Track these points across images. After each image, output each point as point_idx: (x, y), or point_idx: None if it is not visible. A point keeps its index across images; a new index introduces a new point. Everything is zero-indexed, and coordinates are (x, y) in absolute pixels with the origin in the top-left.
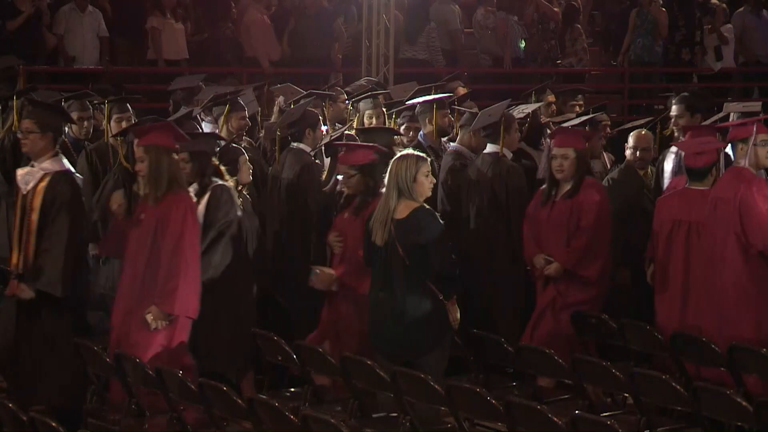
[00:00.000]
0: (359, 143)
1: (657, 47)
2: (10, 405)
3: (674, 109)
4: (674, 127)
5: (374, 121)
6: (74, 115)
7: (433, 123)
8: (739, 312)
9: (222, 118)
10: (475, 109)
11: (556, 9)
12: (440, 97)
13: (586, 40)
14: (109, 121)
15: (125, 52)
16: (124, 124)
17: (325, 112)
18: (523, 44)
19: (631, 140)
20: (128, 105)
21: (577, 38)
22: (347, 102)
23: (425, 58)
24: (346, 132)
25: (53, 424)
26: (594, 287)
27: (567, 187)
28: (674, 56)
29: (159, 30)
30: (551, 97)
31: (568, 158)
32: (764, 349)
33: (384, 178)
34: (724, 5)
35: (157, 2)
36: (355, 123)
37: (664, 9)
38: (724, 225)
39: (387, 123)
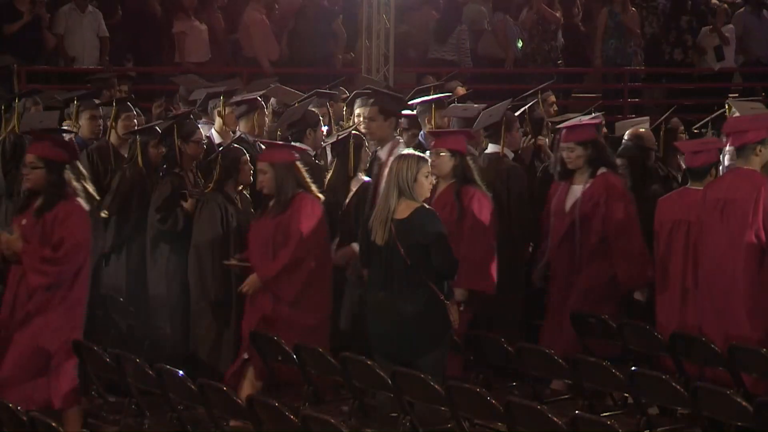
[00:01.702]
0: (53, 136)
1: (629, 48)
2: (10, 405)
3: (367, 112)
4: (365, 128)
5: (362, 119)
6: (86, 114)
7: (432, 123)
8: (748, 314)
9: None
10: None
11: (557, 12)
12: (438, 97)
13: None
14: (115, 121)
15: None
16: (129, 124)
17: (330, 112)
18: (520, 44)
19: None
20: (130, 105)
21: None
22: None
23: (453, 59)
24: (353, 132)
25: (53, 424)
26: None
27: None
28: (669, 57)
29: (185, 34)
30: (552, 98)
31: (267, 173)
32: (764, 349)
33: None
34: (725, 5)
35: (181, 5)
36: (346, 122)
37: (634, 9)
38: (736, 227)
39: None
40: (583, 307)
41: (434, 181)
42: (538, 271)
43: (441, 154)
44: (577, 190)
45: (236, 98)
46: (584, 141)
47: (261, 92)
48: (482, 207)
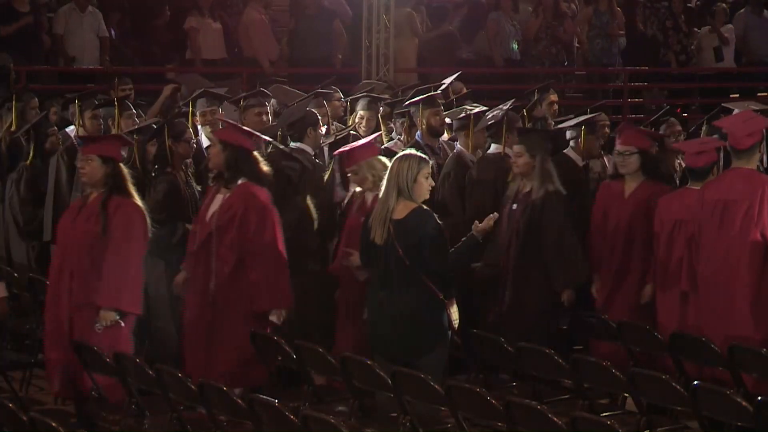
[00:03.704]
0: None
1: (614, 48)
2: (10, 405)
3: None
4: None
5: (365, 121)
6: (88, 114)
7: (423, 122)
8: (752, 314)
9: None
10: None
11: (568, 8)
12: (429, 96)
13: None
14: (119, 120)
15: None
16: (131, 123)
17: (329, 111)
18: (515, 45)
19: None
20: (129, 104)
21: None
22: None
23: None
24: (351, 132)
25: (53, 424)
26: None
27: None
28: (663, 58)
29: (197, 30)
30: (554, 97)
31: None
32: (764, 349)
33: None
34: (725, 5)
35: (195, 2)
36: (349, 122)
37: (619, 9)
38: (740, 227)
39: (381, 124)
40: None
41: (433, 183)
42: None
43: (91, 160)
44: (219, 199)
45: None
46: (226, 142)
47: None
48: (130, 220)
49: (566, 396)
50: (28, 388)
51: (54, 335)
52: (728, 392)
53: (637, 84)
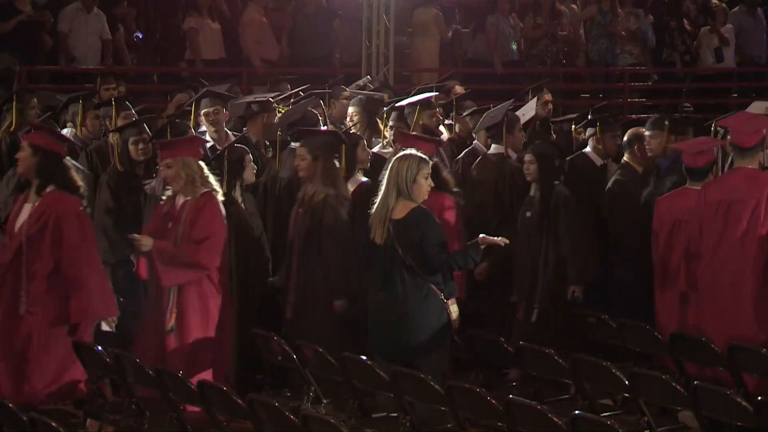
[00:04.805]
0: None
1: (618, 48)
2: (10, 405)
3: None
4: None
5: (355, 120)
6: (90, 114)
7: (419, 123)
8: (756, 313)
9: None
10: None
11: (563, 8)
12: (426, 97)
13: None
14: (116, 120)
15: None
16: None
17: (325, 112)
18: (515, 46)
19: (629, 137)
20: (128, 104)
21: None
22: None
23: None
24: (352, 131)
25: (53, 424)
26: None
27: None
28: (664, 58)
29: (196, 30)
30: (547, 96)
31: None
32: (764, 349)
33: None
34: (724, 5)
35: (193, 2)
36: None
37: (621, 10)
38: (744, 227)
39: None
40: None
41: (432, 184)
42: None
43: None
44: (27, 208)
45: (247, 98)
46: (36, 146)
47: (273, 94)
48: None
49: (566, 396)
50: None
51: None
52: (728, 392)
53: (637, 84)
